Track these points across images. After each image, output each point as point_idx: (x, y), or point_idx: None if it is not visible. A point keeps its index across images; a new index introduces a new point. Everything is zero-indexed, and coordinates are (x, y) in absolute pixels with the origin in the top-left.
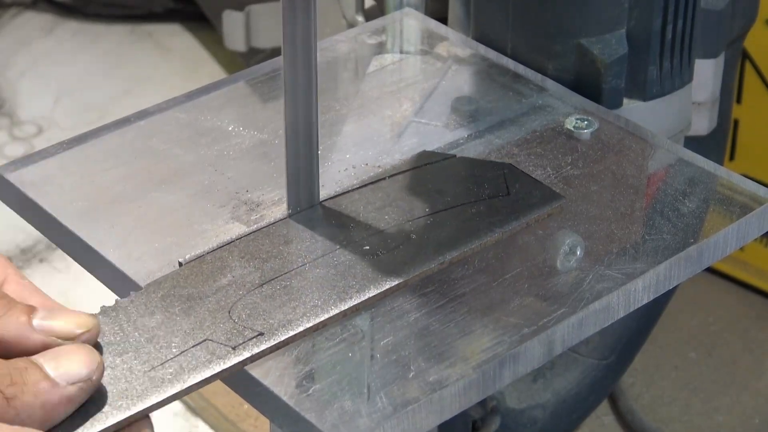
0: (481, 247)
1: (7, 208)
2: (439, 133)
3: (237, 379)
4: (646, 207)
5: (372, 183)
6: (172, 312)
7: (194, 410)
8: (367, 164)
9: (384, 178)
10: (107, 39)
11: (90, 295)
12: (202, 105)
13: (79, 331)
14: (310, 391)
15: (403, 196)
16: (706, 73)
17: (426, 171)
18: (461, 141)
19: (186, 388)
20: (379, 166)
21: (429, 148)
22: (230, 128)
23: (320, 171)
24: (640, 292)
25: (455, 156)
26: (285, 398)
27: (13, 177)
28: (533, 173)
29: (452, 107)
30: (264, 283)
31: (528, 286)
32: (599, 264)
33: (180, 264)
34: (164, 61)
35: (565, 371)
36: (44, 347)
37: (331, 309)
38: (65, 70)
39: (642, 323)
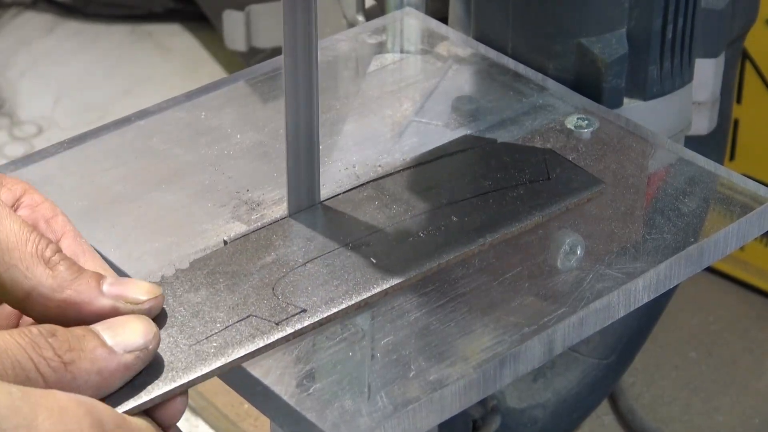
0: (521, 230)
1: None
2: (439, 133)
3: (237, 378)
4: (646, 206)
5: (414, 166)
6: (217, 288)
7: (194, 410)
8: (367, 164)
9: (429, 161)
10: (107, 39)
11: None
12: (202, 105)
13: (145, 298)
14: (311, 391)
15: (445, 180)
16: (707, 72)
17: (468, 155)
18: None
19: (230, 362)
20: (379, 166)
21: (429, 148)
22: (230, 128)
23: (321, 170)
24: (640, 291)
25: (496, 141)
26: (285, 397)
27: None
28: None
29: (453, 107)
30: (307, 262)
31: (528, 286)
32: (599, 263)
33: (225, 243)
34: (164, 61)
35: (566, 371)
36: (113, 312)
37: (373, 287)
38: (65, 70)
39: (642, 323)
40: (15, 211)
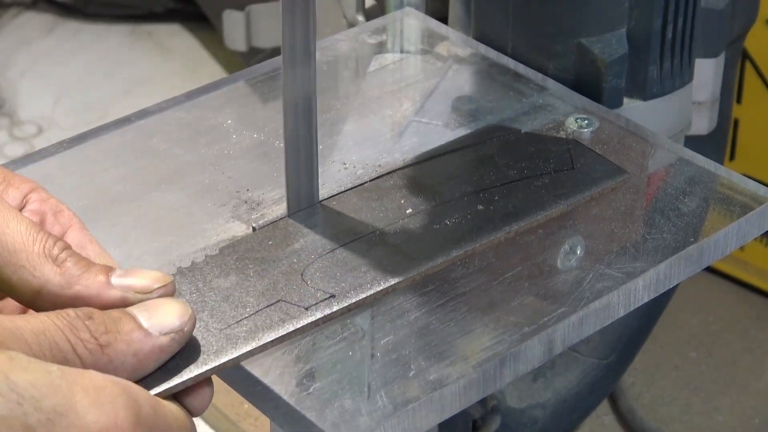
0: (546, 218)
1: None
2: (439, 133)
3: (237, 377)
4: (646, 206)
5: (440, 155)
6: (247, 273)
7: None
8: (367, 164)
9: (455, 150)
10: (107, 39)
11: None
12: (202, 105)
13: (155, 286)
14: (311, 390)
15: (470, 169)
16: (707, 72)
17: (492, 145)
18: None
19: (260, 346)
20: (379, 166)
21: (429, 148)
22: (230, 128)
23: (320, 170)
24: (640, 291)
25: (520, 131)
26: (285, 397)
27: None
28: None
29: (453, 106)
30: (336, 248)
31: (528, 285)
32: (599, 263)
33: (254, 229)
34: (164, 61)
35: (566, 371)
36: (123, 303)
37: (401, 274)
38: (65, 70)
39: (642, 322)
40: (23, 207)
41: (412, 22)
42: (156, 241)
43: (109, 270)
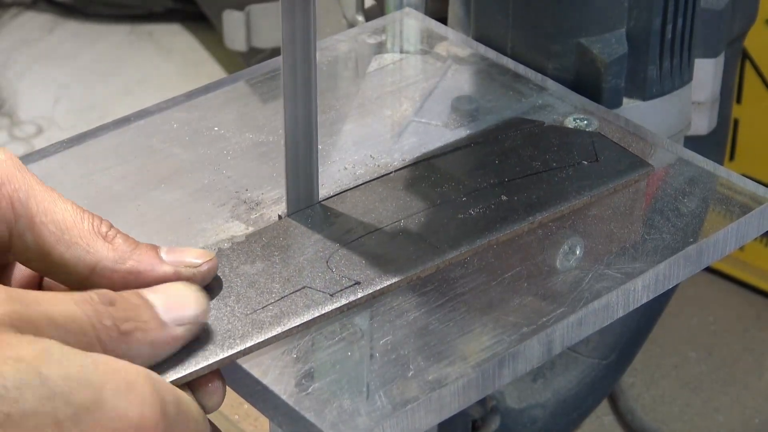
0: (570, 209)
1: None
2: (439, 133)
3: (236, 377)
4: (645, 206)
5: (465, 147)
6: (272, 260)
7: None
8: (366, 164)
9: (478, 142)
10: (107, 39)
11: None
12: (202, 105)
13: (201, 261)
14: (310, 390)
15: (494, 160)
16: (706, 72)
17: (516, 137)
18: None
19: (286, 330)
20: (378, 166)
21: (429, 148)
22: (230, 128)
23: (320, 170)
24: (639, 291)
25: (543, 123)
26: (284, 397)
27: None
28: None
29: (452, 107)
30: (361, 236)
31: (527, 286)
32: (599, 263)
33: (279, 217)
34: (164, 61)
35: (565, 371)
36: (175, 276)
37: (426, 262)
38: (65, 70)
39: (642, 323)
40: None
41: (412, 22)
42: (155, 241)
43: (156, 247)
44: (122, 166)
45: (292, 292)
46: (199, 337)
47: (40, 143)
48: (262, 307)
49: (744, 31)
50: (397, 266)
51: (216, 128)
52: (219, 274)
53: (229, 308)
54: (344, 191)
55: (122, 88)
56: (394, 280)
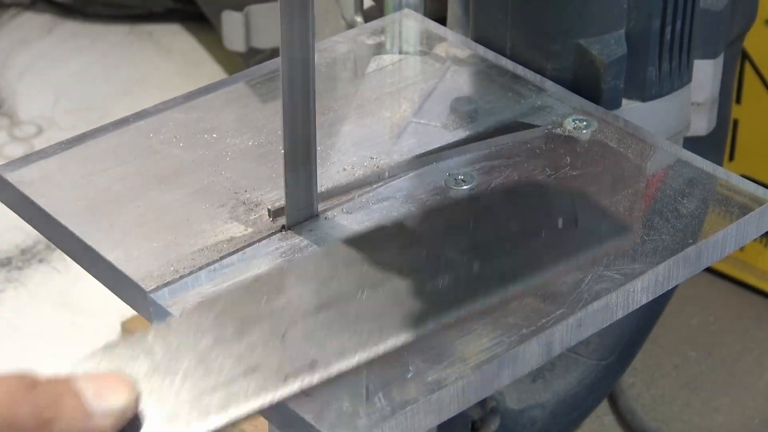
0: (542, 283)
1: (7, 208)
2: (438, 134)
3: None
4: (645, 208)
5: (438, 208)
6: (225, 334)
7: None
8: (365, 165)
9: (451, 204)
10: (107, 39)
11: (90, 295)
12: (202, 105)
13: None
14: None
15: (468, 220)
16: (706, 73)
17: (492, 195)
18: (460, 141)
19: (231, 420)
20: (377, 167)
21: (428, 149)
22: (229, 129)
23: (319, 171)
24: (639, 292)
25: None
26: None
27: (12, 177)
28: (532, 174)
29: (451, 108)
30: (320, 309)
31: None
32: (598, 264)
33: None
34: (164, 62)
35: (565, 372)
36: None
37: (388, 341)
38: (65, 70)
39: (642, 323)
40: None
41: (411, 23)
42: (155, 241)
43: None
44: (121, 166)
45: (243, 373)
46: (137, 423)
47: (40, 143)
48: (210, 389)
49: (743, 31)
50: (358, 344)
51: (215, 129)
52: (167, 348)
53: (174, 388)
54: (308, 255)
55: (122, 88)
56: (354, 361)
